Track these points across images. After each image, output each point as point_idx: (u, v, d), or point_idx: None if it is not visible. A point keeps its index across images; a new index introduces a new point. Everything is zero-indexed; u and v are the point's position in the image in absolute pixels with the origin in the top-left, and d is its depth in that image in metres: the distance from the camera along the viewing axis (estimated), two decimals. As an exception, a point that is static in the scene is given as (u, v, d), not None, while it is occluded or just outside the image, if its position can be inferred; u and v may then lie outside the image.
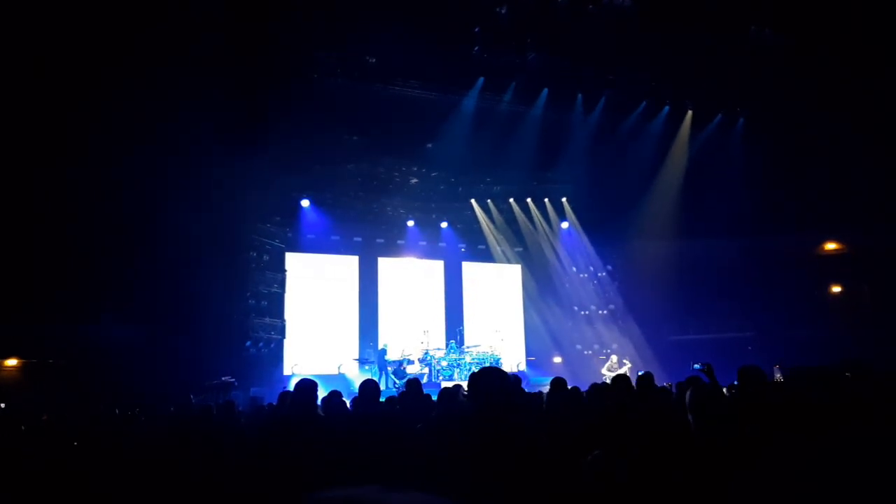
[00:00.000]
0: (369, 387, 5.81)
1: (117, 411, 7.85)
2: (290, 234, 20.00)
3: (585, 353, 22.93)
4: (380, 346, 19.89)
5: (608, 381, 15.35)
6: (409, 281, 22.79)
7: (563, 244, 24.02)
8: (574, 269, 24.04)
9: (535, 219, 23.68)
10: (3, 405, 12.88)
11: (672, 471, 3.11)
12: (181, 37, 13.50)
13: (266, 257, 18.58)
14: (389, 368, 18.94)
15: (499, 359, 20.27)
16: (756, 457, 3.32)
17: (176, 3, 13.84)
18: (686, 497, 3.09)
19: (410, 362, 19.22)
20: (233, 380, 14.89)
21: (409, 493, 1.03)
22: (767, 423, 4.03)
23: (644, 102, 19.42)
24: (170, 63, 13.55)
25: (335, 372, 19.27)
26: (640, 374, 7.30)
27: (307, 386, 4.94)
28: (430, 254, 23.28)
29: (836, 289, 21.09)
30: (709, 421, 3.49)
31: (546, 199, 23.69)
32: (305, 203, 20.44)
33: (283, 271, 19.32)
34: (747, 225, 19.67)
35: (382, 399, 8.28)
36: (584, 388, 8.34)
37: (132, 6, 13.44)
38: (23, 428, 7.95)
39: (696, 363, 6.51)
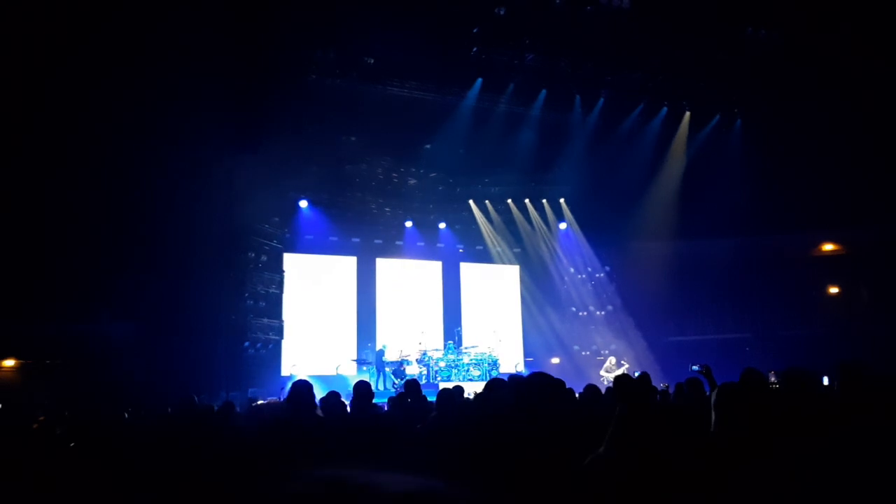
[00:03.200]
0: (362, 388, 5.81)
1: (126, 414, 7.83)
2: (288, 235, 19.98)
3: (583, 353, 22.93)
4: (378, 347, 19.87)
5: (606, 381, 15.38)
6: (407, 282, 22.77)
7: (561, 245, 24.03)
8: (572, 269, 24.04)
9: (533, 220, 23.68)
10: (-1, 406, 12.85)
11: (678, 469, 3.12)
12: (178, 36, 13.48)
13: (264, 258, 18.54)
14: (388, 369, 18.93)
15: (496, 360, 20.26)
16: (763, 456, 3.33)
17: (175, 2, 13.83)
18: (691, 496, 3.09)
19: (409, 363, 19.21)
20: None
21: (398, 474, 1.03)
22: (768, 424, 4.04)
23: (642, 103, 19.44)
24: (168, 63, 13.54)
25: (333, 373, 19.25)
26: (636, 374, 7.29)
27: (303, 387, 4.93)
28: (428, 255, 23.27)
29: (834, 289, 21.11)
30: (733, 420, 3.51)
31: (544, 200, 23.69)
32: (303, 204, 20.41)
33: (282, 272, 19.29)
34: (745, 226, 19.70)
35: (381, 400, 8.28)
36: (579, 389, 8.34)
37: (131, 6, 13.45)
38: (21, 429, 7.93)
39: (695, 365, 6.52)
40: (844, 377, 3.96)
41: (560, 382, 3.52)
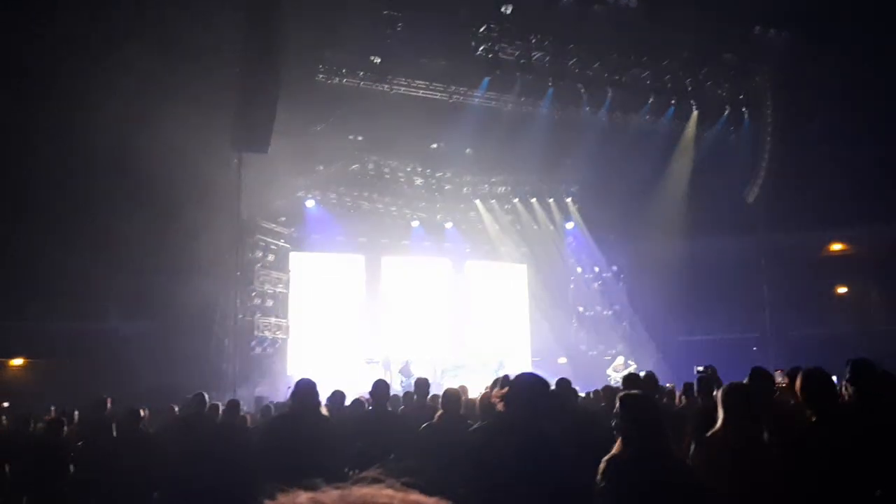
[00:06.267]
0: (381, 387, 5.82)
1: (142, 412, 7.86)
2: (295, 234, 20.01)
3: (590, 353, 22.88)
4: (383, 349, 19.83)
5: (613, 381, 15.33)
6: (414, 281, 22.77)
7: (567, 244, 23.98)
8: (579, 269, 23.99)
9: (540, 219, 23.63)
10: (6, 404, 12.95)
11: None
12: (188, 34, 13.53)
13: (271, 257, 18.60)
14: (394, 367, 18.94)
15: (502, 360, 20.22)
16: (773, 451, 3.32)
17: (182, 2, 13.90)
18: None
19: (411, 364, 19.18)
20: None
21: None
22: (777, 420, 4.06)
23: (649, 102, 19.36)
24: (177, 62, 13.58)
25: (340, 371, 19.23)
26: (642, 374, 7.27)
27: (307, 385, 4.93)
28: (434, 254, 23.26)
29: (843, 289, 20.98)
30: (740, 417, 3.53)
31: (551, 200, 23.65)
32: (310, 203, 20.45)
33: (288, 271, 19.33)
34: (754, 225, 19.58)
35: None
36: (585, 389, 8.31)
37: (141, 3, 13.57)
38: (31, 427, 7.98)
39: (699, 366, 6.50)
40: (854, 375, 3.93)
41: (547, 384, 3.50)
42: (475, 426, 3.91)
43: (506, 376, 5.88)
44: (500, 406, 3.47)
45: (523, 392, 3.32)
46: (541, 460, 3.05)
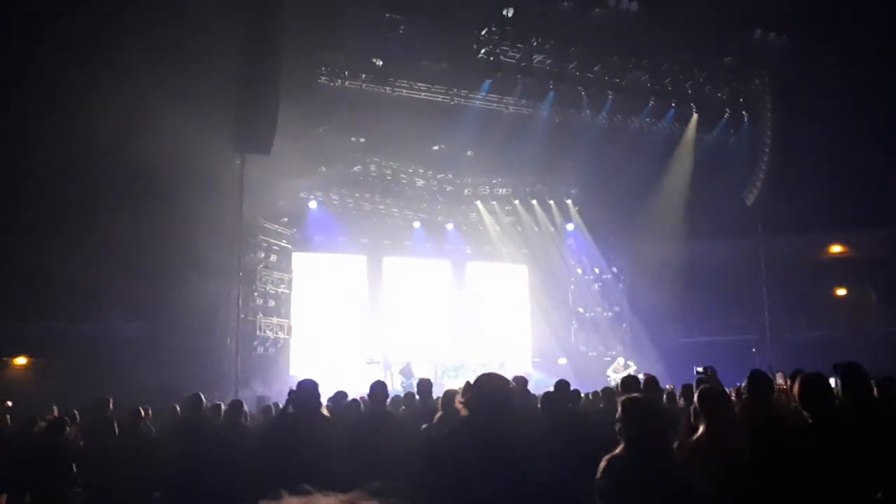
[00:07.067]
0: (379, 388, 5.84)
1: (146, 412, 7.89)
2: (297, 235, 20.07)
3: (590, 354, 22.93)
4: (384, 350, 19.87)
5: (613, 382, 15.37)
6: (415, 281, 22.84)
7: (568, 246, 24.04)
8: (579, 270, 24.04)
9: (541, 221, 23.69)
10: (10, 403, 13.00)
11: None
12: (191, 37, 13.60)
13: (273, 258, 18.68)
14: (395, 368, 18.99)
15: (502, 361, 20.25)
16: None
17: (183, 4, 13.97)
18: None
19: (412, 364, 19.22)
20: None
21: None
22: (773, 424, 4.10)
23: (649, 105, 19.43)
24: (180, 64, 13.65)
25: (341, 371, 19.28)
26: (642, 375, 7.31)
27: (309, 386, 4.94)
28: (436, 255, 23.32)
29: (842, 292, 21.03)
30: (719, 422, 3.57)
31: (551, 201, 23.71)
32: (313, 204, 20.52)
33: (291, 272, 19.40)
34: (753, 227, 19.62)
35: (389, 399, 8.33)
36: (585, 389, 8.36)
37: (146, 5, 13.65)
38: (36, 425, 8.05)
39: (698, 367, 6.55)
40: (842, 380, 3.99)
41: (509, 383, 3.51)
42: (438, 431, 3.88)
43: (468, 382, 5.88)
44: (462, 410, 3.47)
45: (484, 393, 3.33)
46: (504, 462, 3.08)
